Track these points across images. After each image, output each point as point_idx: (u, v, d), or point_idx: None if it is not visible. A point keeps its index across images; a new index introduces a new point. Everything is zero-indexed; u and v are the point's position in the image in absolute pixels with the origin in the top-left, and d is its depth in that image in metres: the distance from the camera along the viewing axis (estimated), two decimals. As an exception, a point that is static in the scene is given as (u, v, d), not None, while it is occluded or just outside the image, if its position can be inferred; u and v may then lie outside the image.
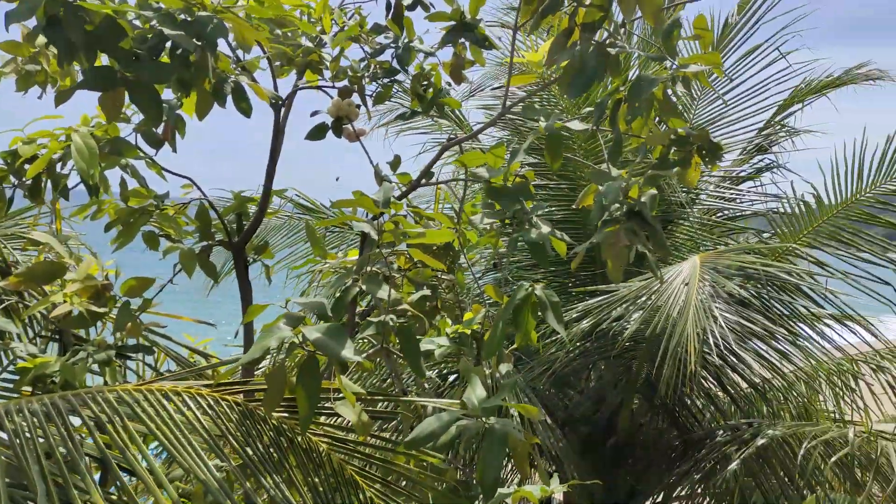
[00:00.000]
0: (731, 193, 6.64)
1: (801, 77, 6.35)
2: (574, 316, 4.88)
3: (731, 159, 6.77)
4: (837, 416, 5.91)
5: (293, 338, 1.83)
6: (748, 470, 5.14)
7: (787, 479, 4.94)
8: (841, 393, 5.86)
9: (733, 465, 4.66)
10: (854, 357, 5.90)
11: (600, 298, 4.69)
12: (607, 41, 2.67)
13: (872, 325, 5.96)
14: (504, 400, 2.22)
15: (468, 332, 3.00)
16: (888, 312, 5.95)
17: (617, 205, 2.45)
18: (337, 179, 3.50)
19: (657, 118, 2.84)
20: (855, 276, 5.77)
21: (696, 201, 6.60)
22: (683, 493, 5.84)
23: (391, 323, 2.23)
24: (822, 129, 6.56)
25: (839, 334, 6.00)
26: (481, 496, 2.05)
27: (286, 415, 2.10)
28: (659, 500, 5.67)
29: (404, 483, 2.27)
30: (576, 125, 2.85)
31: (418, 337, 2.58)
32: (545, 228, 2.59)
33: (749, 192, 6.64)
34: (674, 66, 2.59)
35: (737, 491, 4.77)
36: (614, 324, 4.77)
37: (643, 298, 4.39)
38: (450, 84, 3.71)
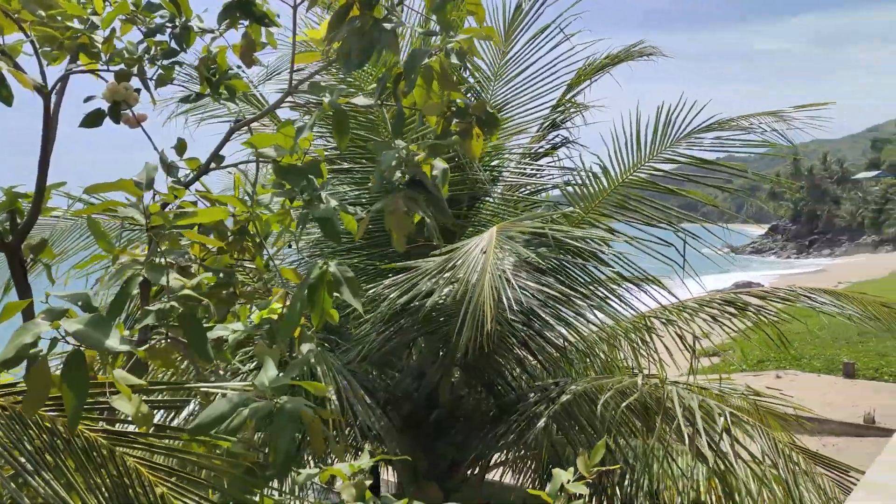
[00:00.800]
0: (531, 169, 6.97)
1: (588, 56, 6.78)
2: (384, 293, 4.93)
3: (531, 135, 7.11)
4: (636, 370, 6.40)
5: (53, 332, 1.71)
6: (560, 427, 5.46)
7: (592, 432, 5.28)
8: (637, 347, 6.34)
9: (541, 423, 4.93)
10: (646, 314, 6.40)
11: (407, 274, 4.77)
12: (385, 17, 2.71)
13: (661, 284, 6.51)
14: (295, 378, 2.21)
15: (275, 316, 2.96)
16: (674, 273, 6.51)
17: (399, 174, 2.49)
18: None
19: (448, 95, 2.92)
20: (642, 241, 6.26)
21: (499, 179, 6.87)
22: (505, 457, 6.10)
23: (173, 308, 2.14)
24: (609, 104, 7.05)
25: (633, 295, 6.51)
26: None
27: (55, 413, 1.96)
28: (475, 470, 5.88)
29: (212, 474, 2.19)
30: (360, 100, 2.88)
31: (211, 324, 2.51)
32: (333, 203, 2.59)
33: (547, 166, 7.00)
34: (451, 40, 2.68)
35: (546, 445, 5.04)
36: (426, 300, 4.87)
37: (443, 273, 4.51)
38: (240, 67, 3.63)
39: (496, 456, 6.14)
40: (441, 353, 6.13)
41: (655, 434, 4.54)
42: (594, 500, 5.61)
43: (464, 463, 5.81)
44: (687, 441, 4.19)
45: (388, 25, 2.67)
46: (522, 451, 6.31)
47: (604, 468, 2.99)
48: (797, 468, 4.75)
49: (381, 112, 5.00)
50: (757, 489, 4.73)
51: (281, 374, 2.10)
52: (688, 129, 6.12)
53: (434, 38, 2.90)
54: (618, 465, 5.03)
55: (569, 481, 2.91)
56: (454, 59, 2.66)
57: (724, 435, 4.33)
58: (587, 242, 5.17)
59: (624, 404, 4.61)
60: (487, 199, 6.76)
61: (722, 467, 4.52)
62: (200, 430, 1.97)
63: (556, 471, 2.91)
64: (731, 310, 6.31)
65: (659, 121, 6.14)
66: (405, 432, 5.80)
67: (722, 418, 4.33)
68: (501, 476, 6.80)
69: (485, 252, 4.22)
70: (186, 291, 2.21)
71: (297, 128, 2.82)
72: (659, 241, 6.28)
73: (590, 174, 6.36)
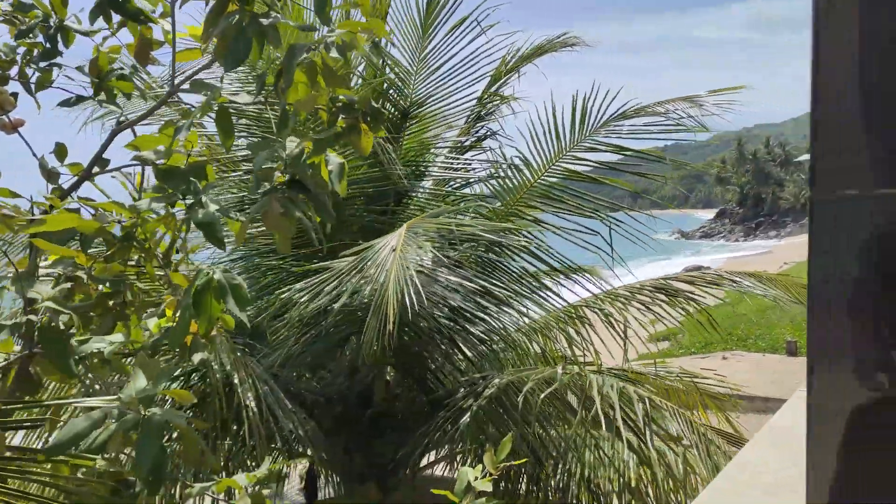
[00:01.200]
0: (459, 163, 6.91)
1: (510, 46, 6.73)
2: (300, 297, 4.82)
3: (459, 128, 7.05)
4: (571, 360, 6.40)
5: None
6: (491, 420, 5.42)
7: (524, 423, 5.26)
8: (570, 337, 6.34)
9: (465, 419, 4.90)
10: (578, 304, 6.40)
11: (319, 275, 4.68)
12: (265, 12, 2.63)
13: (594, 272, 6.53)
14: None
15: (173, 324, 2.87)
16: (611, 262, 6.52)
17: (278, 174, 2.42)
18: None
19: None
20: (571, 231, 6.26)
21: (427, 174, 6.80)
22: (437, 454, 6.06)
23: (32, 322, 2.04)
24: (538, 96, 7.02)
25: (566, 287, 6.51)
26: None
27: None
28: (406, 470, 5.82)
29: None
30: (243, 98, 2.79)
31: (79, 336, 2.41)
32: (213, 207, 2.51)
33: (474, 160, 6.94)
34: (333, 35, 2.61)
35: (474, 439, 5.01)
36: (342, 300, 4.79)
37: (355, 274, 4.42)
38: (136, 67, 3.53)
39: (435, 452, 6.09)
40: (375, 352, 6.05)
41: (577, 421, 4.54)
42: (530, 488, 5.60)
43: (403, 461, 5.75)
44: (604, 426, 4.20)
45: (265, 21, 2.59)
46: (461, 446, 6.28)
47: (511, 462, 2.96)
48: (712, 448, 4.80)
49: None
50: (683, 471, 4.77)
51: (148, 385, 2.02)
52: (604, 118, 6.13)
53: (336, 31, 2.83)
54: (526, 459, 5.03)
55: (476, 478, 2.88)
56: (334, 54, 2.60)
57: (643, 420, 4.35)
58: (500, 235, 5.14)
59: (543, 394, 4.60)
60: (414, 194, 6.69)
61: (647, 452, 4.55)
62: (58, 450, 1.88)
63: (462, 469, 2.87)
64: (662, 296, 6.35)
65: (575, 110, 6.13)
66: (338, 433, 5.71)
67: (641, 404, 4.35)
68: (444, 472, 6.76)
69: (395, 250, 4.16)
70: (47, 303, 2.11)
71: (175, 128, 2.73)
72: (588, 231, 6.29)
73: (511, 167, 6.34)
